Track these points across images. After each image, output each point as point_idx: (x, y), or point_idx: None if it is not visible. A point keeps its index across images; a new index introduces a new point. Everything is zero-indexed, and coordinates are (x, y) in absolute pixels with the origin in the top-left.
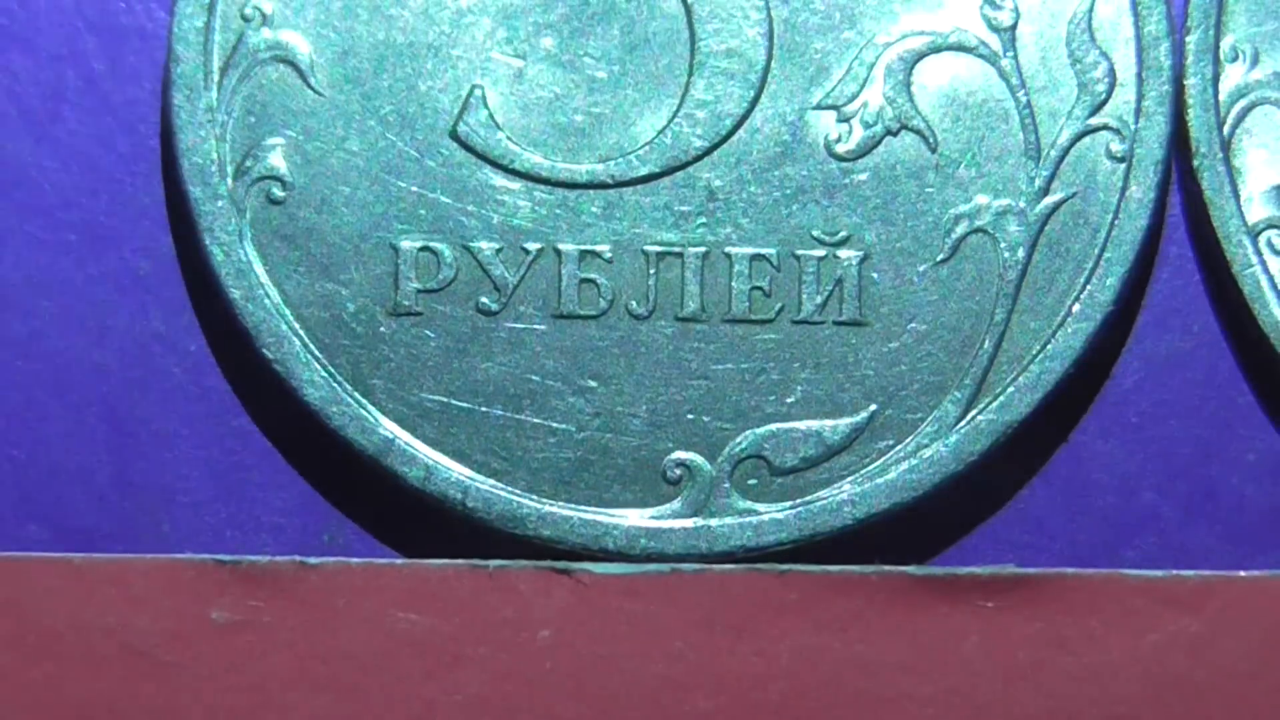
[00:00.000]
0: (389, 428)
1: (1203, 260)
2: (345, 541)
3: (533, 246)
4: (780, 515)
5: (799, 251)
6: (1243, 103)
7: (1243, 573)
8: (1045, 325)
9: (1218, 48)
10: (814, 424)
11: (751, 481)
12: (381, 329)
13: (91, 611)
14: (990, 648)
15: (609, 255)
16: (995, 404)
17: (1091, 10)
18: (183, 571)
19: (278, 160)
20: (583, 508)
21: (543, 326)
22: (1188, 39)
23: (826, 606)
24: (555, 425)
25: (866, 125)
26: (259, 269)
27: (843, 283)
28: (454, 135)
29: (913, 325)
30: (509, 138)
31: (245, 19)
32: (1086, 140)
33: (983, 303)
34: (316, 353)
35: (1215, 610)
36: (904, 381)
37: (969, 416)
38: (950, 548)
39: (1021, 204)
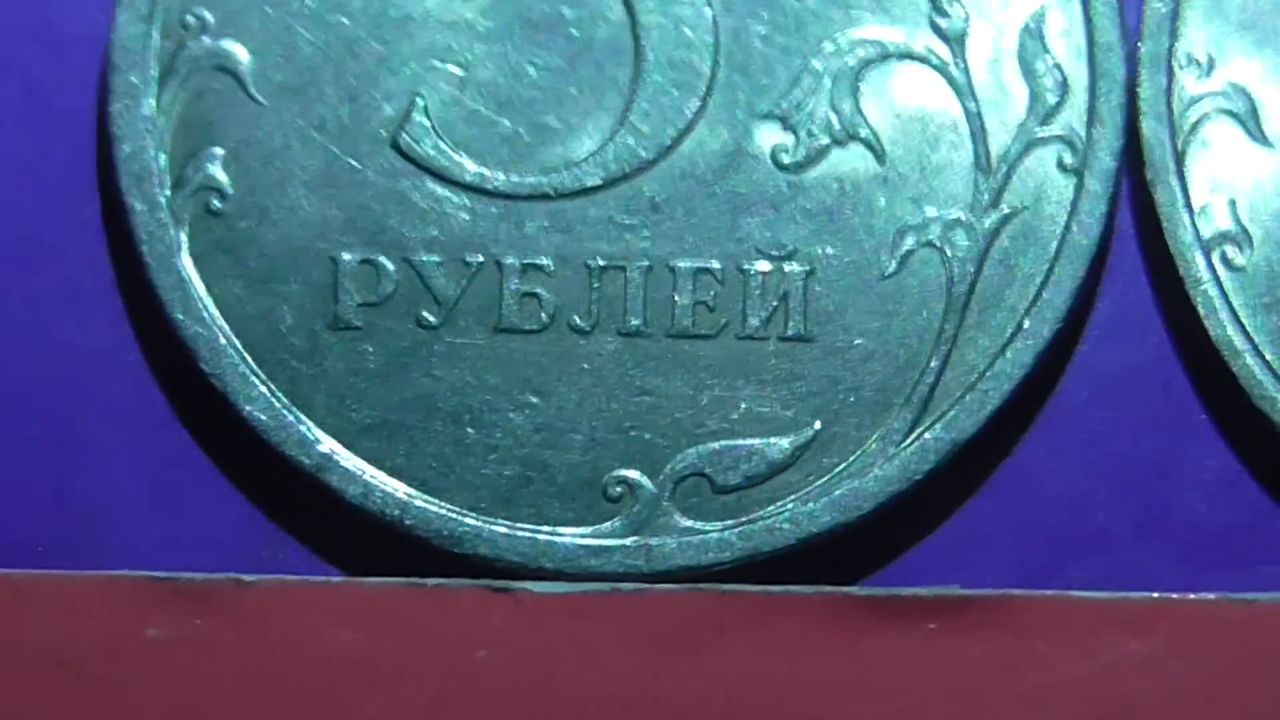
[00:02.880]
0: (328, 444)
1: (1154, 274)
2: (284, 558)
3: (474, 259)
4: (722, 534)
5: (744, 265)
6: (1197, 113)
7: (1192, 595)
8: (994, 341)
9: (1172, 57)
10: (757, 441)
11: (693, 499)
12: (321, 343)
13: (27, 628)
14: (934, 670)
15: (551, 268)
16: (942, 421)
17: (1044, 19)
18: (119, 588)
19: (217, 170)
20: (522, 526)
21: (483, 341)
22: (1141, 48)
23: (768, 627)
24: (495, 441)
25: (812, 136)
26: (197, 281)
27: (788, 298)
28: (395, 146)
29: (859, 341)
30: (451, 148)
31: (185, 27)
32: (1037, 152)
33: (930, 318)
34: (254, 367)
35: (1165, 633)
36: (849, 398)
37: (915, 434)
38: (896, 567)
39: (970, 217)
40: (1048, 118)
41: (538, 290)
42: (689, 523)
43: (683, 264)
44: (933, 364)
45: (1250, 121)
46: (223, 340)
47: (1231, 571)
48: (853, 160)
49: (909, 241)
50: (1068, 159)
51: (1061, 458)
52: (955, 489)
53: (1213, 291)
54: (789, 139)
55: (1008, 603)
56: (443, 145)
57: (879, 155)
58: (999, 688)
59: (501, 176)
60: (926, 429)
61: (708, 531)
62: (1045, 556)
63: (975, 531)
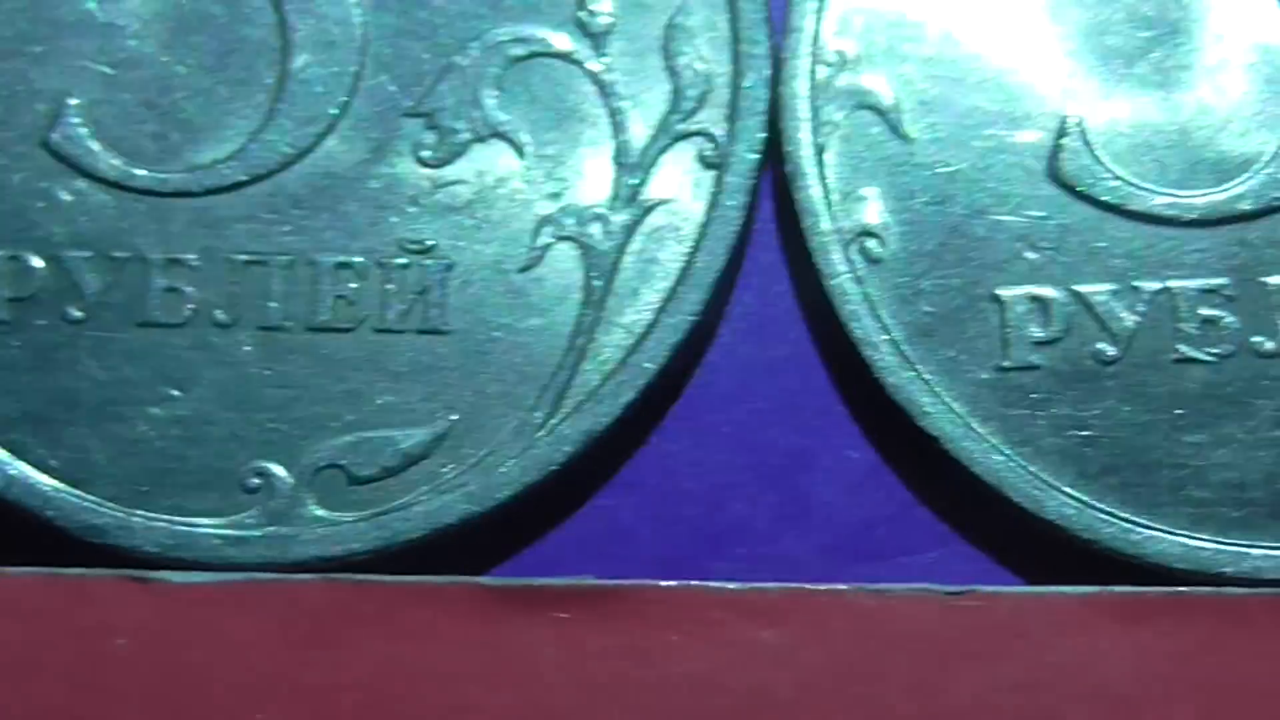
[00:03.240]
0: None
1: (794, 268)
2: None
3: (120, 255)
4: (356, 524)
5: (384, 260)
6: (838, 108)
7: (824, 585)
8: (630, 334)
9: (815, 52)
10: (393, 433)
11: (330, 491)
12: None
13: None
14: (565, 659)
15: (196, 263)
16: (578, 413)
17: (688, 13)
18: None
19: None
20: (161, 517)
21: (127, 335)
22: (784, 43)
23: (403, 617)
24: (136, 434)
25: (454, 133)
26: None
27: (427, 291)
28: (45, 144)
29: (496, 334)
30: (100, 146)
31: None
32: (679, 146)
33: (568, 311)
34: None
35: (797, 623)
36: (486, 390)
37: (549, 425)
38: (530, 558)
39: (610, 211)
40: (689, 113)
41: (181, 285)
42: (325, 513)
43: (324, 259)
44: (570, 357)
45: (891, 116)
46: None
47: (871, 563)
48: (493, 156)
49: (546, 235)
50: (709, 153)
51: (700, 449)
52: (591, 480)
53: (849, 285)
54: (431, 136)
55: (639, 593)
56: (92, 144)
57: (519, 150)
58: (631, 678)
59: (146, 173)
60: (562, 421)
61: (343, 522)
62: (684, 548)
63: (613, 523)
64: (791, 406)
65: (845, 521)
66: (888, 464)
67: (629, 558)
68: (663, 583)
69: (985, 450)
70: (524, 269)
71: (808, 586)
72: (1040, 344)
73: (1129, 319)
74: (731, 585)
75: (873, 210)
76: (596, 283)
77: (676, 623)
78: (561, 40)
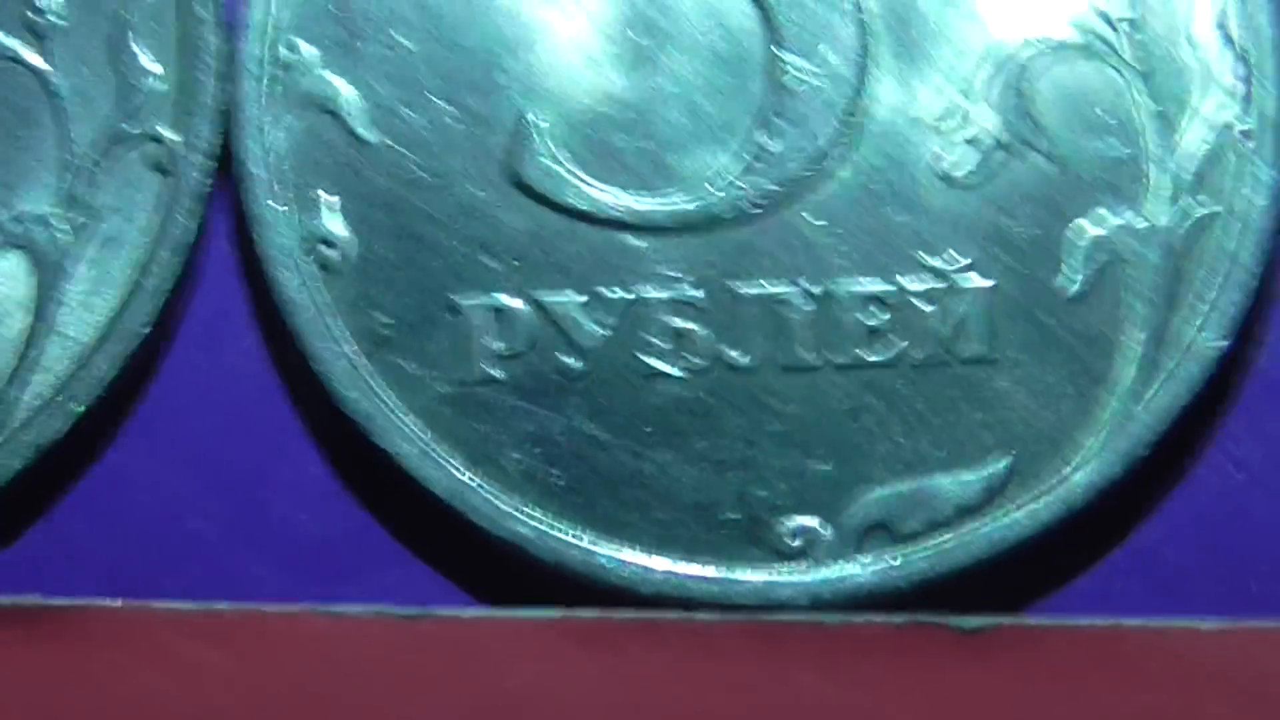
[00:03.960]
0: None
1: (251, 278)
2: None
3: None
4: None
5: None
6: (293, 110)
7: (275, 606)
8: (78, 345)
9: (270, 51)
10: None
11: None
12: None
13: None
14: (7, 681)
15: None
16: (28, 427)
17: (136, 12)
18: None
19: None
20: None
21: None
22: (238, 42)
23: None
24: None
25: None
26: None
27: None
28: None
29: None
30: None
31: None
32: (126, 150)
33: (19, 321)
34: None
35: (246, 644)
36: None
37: None
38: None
39: (56, 218)
40: (136, 115)
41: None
42: None
43: None
44: (20, 369)
45: (347, 119)
46: None
47: (329, 583)
48: None
49: None
50: (158, 158)
51: (154, 464)
52: (41, 495)
53: (302, 295)
54: None
55: (84, 612)
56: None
57: None
58: (72, 699)
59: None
60: (12, 437)
61: None
62: (136, 566)
63: (63, 540)
64: (248, 421)
65: (302, 540)
66: (347, 481)
67: (79, 576)
68: (109, 601)
69: (443, 468)
70: None
71: (259, 607)
72: (502, 357)
73: (596, 331)
74: (180, 605)
75: (328, 217)
76: (46, 292)
77: (123, 643)
78: (8, 41)
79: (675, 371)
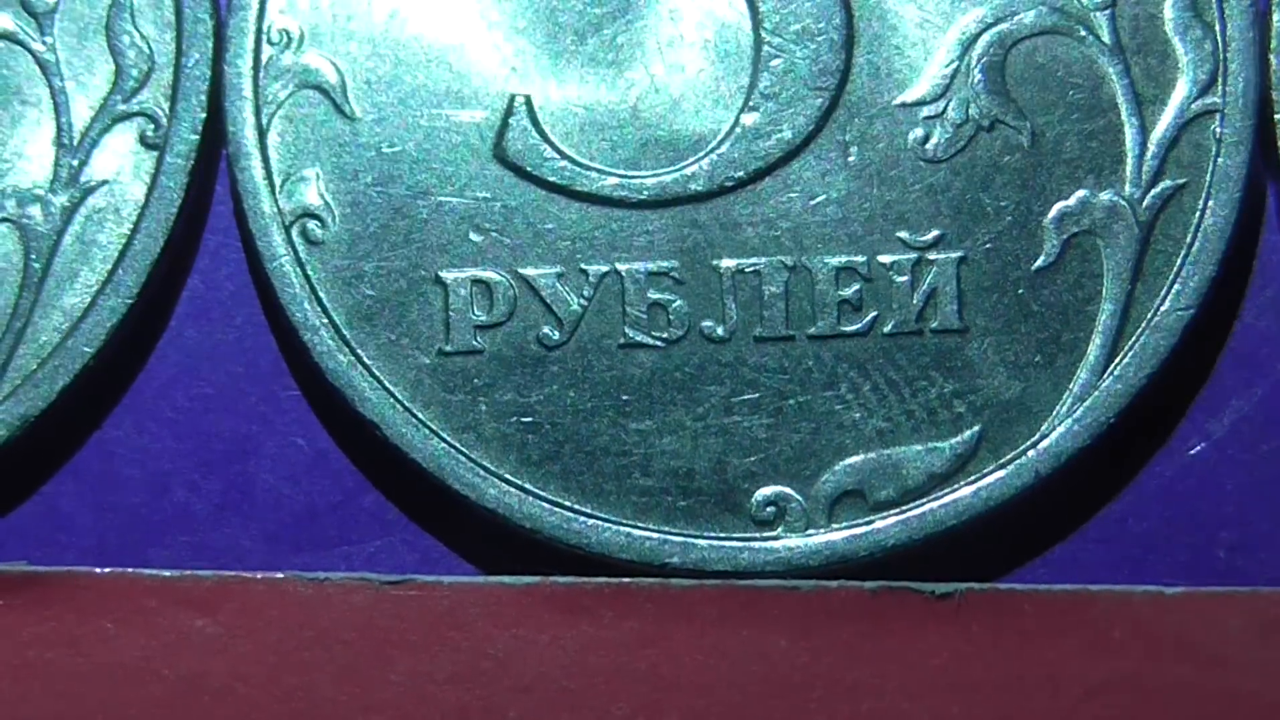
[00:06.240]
0: None
1: (245, 251)
2: None
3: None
4: None
5: None
6: (282, 87)
7: (260, 574)
8: (68, 317)
9: (261, 30)
10: None
11: None
12: None
13: None
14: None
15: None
16: (13, 398)
17: None
18: None
19: None
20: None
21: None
22: (230, 21)
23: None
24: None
25: None
26: None
27: None
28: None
29: None
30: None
31: None
32: (120, 127)
33: (5, 295)
34: None
35: (230, 611)
36: None
37: None
38: None
39: (48, 194)
40: (131, 93)
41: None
42: None
43: None
44: (6, 341)
45: (335, 95)
46: None
47: (314, 552)
48: None
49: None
50: (150, 134)
51: (143, 435)
52: (31, 466)
53: (289, 267)
54: None
55: (72, 580)
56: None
57: None
58: (64, 665)
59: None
60: None
61: None
62: (124, 536)
63: (52, 509)
64: (237, 392)
65: (289, 509)
66: (332, 451)
67: (68, 545)
68: (96, 570)
69: (425, 437)
70: None
71: (244, 575)
72: (483, 328)
73: (575, 302)
74: (166, 573)
75: (314, 191)
76: (35, 265)
77: (110, 610)
78: (4, 20)
79: (653, 342)
